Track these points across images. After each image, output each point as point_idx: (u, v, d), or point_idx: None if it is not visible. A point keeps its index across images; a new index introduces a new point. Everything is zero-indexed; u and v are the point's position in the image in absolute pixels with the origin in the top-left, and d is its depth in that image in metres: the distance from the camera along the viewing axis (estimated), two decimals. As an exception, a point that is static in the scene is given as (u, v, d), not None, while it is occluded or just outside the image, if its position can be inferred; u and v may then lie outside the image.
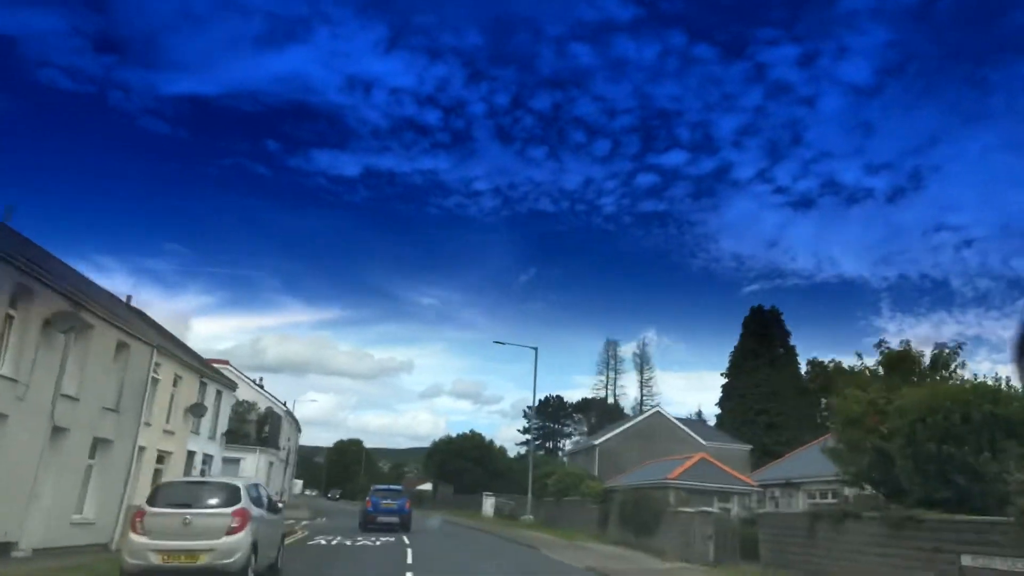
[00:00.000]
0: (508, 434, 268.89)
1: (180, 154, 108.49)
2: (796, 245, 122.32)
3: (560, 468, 41.59)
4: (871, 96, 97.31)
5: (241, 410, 37.52)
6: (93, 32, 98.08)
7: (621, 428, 43.38)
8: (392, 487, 33.16)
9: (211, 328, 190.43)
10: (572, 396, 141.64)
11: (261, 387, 43.60)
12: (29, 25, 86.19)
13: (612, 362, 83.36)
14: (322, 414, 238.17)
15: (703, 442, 42.26)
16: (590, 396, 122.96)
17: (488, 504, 52.12)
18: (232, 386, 31.80)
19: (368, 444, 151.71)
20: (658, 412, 43.93)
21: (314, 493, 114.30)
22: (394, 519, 27.59)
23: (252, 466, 35.51)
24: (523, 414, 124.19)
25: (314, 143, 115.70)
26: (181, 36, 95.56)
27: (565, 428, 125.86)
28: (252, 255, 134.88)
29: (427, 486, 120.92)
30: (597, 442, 42.98)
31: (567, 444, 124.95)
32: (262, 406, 37.86)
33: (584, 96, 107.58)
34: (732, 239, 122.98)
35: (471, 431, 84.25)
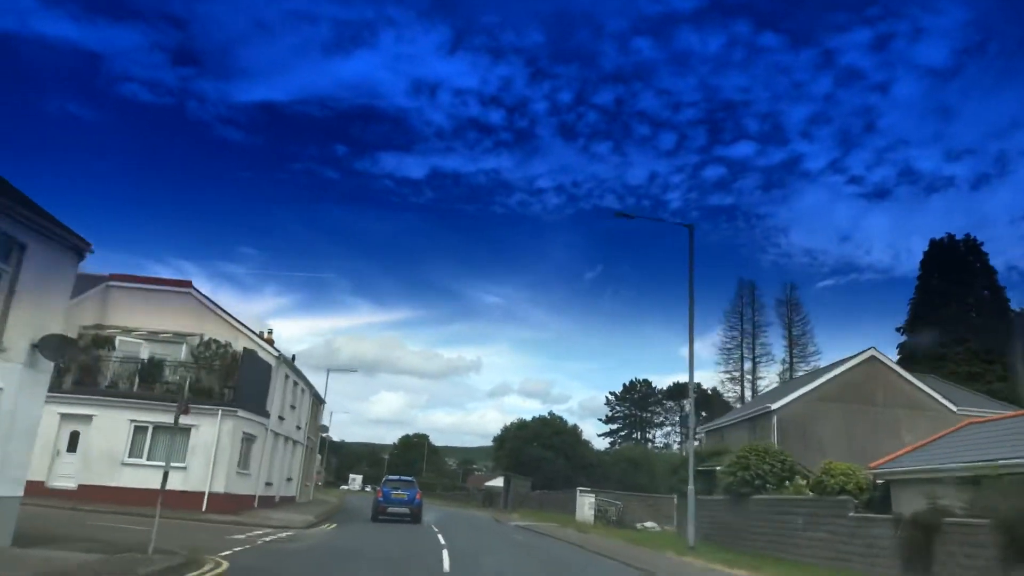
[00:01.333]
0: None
1: (253, 160, 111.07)
2: (871, 237, 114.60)
3: (730, 449, 25.75)
4: (949, 79, 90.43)
5: (207, 353, 23.34)
6: (172, 46, 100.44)
7: (814, 385, 27.11)
8: (404, 478, 31.55)
9: (286, 330, 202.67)
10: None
11: (262, 336, 29.14)
12: (114, 42, 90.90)
13: (751, 311, 63.75)
14: (392, 413, 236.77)
15: (952, 407, 25.70)
16: (681, 381, 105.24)
17: (586, 505, 36.74)
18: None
19: (437, 442, 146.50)
20: (873, 357, 27.30)
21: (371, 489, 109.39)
22: (404, 510, 26.82)
23: (211, 437, 21.18)
24: (606, 401, 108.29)
25: (381, 146, 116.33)
26: (253, 46, 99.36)
27: (655, 417, 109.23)
28: (323, 258, 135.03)
29: (497, 482, 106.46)
30: (775, 406, 26.84)
31: (656, 435, 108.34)
32: (240, 347, 23.62)
33: (648, 90, 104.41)
34: (803, 232, 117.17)
35: (550, 413, 69.09)
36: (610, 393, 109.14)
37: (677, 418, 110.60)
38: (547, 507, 45.85)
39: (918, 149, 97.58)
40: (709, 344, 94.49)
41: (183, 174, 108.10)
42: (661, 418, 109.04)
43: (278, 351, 26.74)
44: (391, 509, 26.76)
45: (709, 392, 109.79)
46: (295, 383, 31.17)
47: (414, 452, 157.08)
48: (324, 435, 57.16)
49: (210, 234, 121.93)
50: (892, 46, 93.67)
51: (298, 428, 33.25)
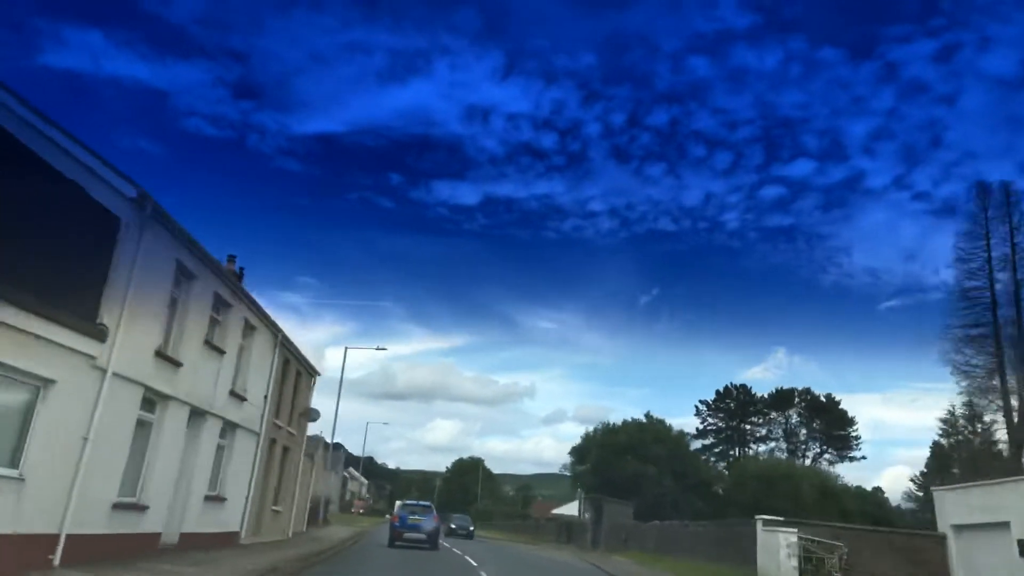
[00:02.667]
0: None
1: (311, 191, 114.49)
2: (939, 256, 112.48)
3: None
4: (1019, 88, 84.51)
5: None
6: (233, 81, 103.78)
7: None
8: (421, 503, 29.95)
9: (342, 358, 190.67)
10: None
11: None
12: (179, 79, 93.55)
13: (1007, 212, 37.50)
14: (446, 440, 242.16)
15: None
16: (785, 387, 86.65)
17: (781, 547, 19.63)
18: None
19: (492, 470, 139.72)
20: None
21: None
22: (421, 536, 25.78)
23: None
24: (696, 411, 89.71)
25: (435, 174, 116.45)
26: (310, 78, 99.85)
27: (757, 430, 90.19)
28: (379, 285, 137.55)
29: (569, 509, 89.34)
30: None
31: (759, 450, 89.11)
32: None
33: (703, 109, 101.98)
34: (866, 252, 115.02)
35: (647, 415, 51.82)
36: (700, 402, 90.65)
37: (781, 431, 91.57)
38: (673, 547, 28.70)
39: (988, 162, 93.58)
40: (773, 367, 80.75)
41: (244, 206, 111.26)
42: (764, 430, 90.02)
43: (140, 191, 10.96)
44: (407, 535, 25.93)
45: (823, 399, 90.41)
46: (221, 299, 15.35)
47: (468, 477, 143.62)
48: (316, 433, 41.64)
49: (271, 265, 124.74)
50: (958, 57, 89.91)
51: (239, 399, 17.40)
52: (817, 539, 20.32)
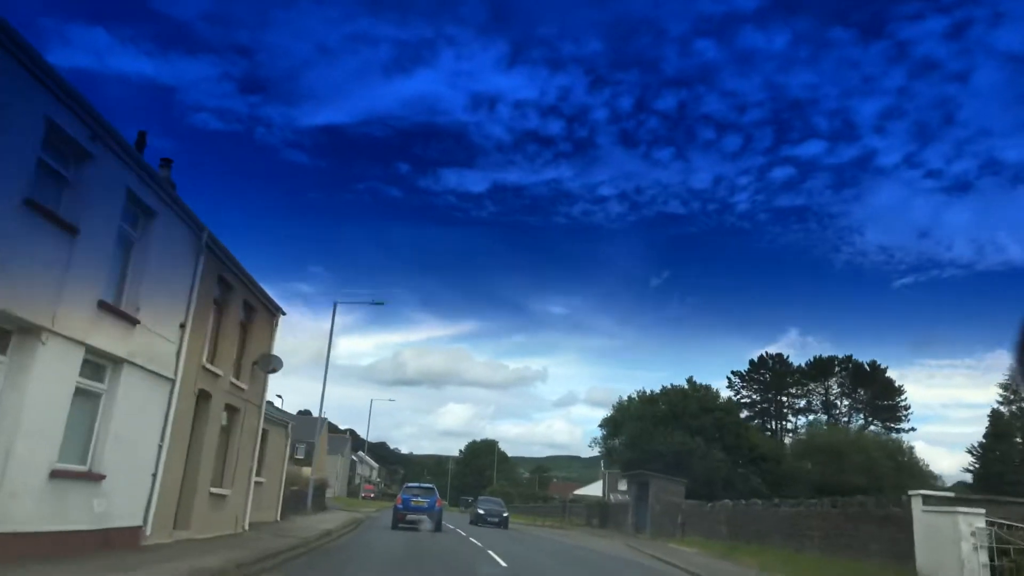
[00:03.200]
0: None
1: (320, 182, 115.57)
2: (953, 232, 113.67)
3: None
4: None
5: None
6: (239, 75, 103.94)
7: None
8: (423, 485, 31.14)
9: (354, 346, 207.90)
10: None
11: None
12: (186, 74, 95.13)
13: None
14: (459, 424, 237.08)
15: None
16: (825, 355, 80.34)
17: (964, 540, 12.97)
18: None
19: (507, 453, 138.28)
20: None
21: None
22: (423, 517, 26.38)
23: None
24: (728, 382, 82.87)
25: (443, 162, 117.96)
26: (316, 70, 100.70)
27: (796, 401, 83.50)
28: (389, 274, 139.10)
29: (591, 489, 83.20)
30: None
31: (798, 421, 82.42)
32: None
33: (711, 92, 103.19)
34: (879, 230, 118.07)
35: (690, 381, 45.07)
36: (733, 373, 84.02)
37: (820, 402, 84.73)
38: (755, 534, 22.09)
39: (1002, 139, 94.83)
40: (785, 345, 79.87)
41: (254, 198, 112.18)
42: (802, 402, 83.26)
43: None
44: (410, 516, 26.31)
45: (867, 367, 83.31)
46: (63, 136, 8.79)
47: (483, 459, 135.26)
48: (275, 397, 35.25)
49: (281, 255, 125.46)
50: (969, 33, 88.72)
51: (124, 319, 10.91)
52: (1010, 523, 13.68)
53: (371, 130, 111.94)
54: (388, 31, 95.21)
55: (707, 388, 42.64)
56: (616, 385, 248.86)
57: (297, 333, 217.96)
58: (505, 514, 35.69)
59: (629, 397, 44.14)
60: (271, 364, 16.96)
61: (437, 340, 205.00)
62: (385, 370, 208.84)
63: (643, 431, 39.27)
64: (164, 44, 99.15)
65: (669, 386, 43.86)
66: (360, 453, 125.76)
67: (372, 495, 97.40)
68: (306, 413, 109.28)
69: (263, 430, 18.79)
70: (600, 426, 44.63)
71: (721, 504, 27.10)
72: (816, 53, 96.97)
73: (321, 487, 41.86)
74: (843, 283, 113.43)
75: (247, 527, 17.02)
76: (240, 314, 16.14)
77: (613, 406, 44.35)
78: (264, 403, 18.37)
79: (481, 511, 36.04)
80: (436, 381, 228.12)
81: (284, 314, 18.66)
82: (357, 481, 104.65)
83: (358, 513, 38.06)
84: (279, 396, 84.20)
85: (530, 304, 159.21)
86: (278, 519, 21.75)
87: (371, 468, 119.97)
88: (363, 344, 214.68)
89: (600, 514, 40.50)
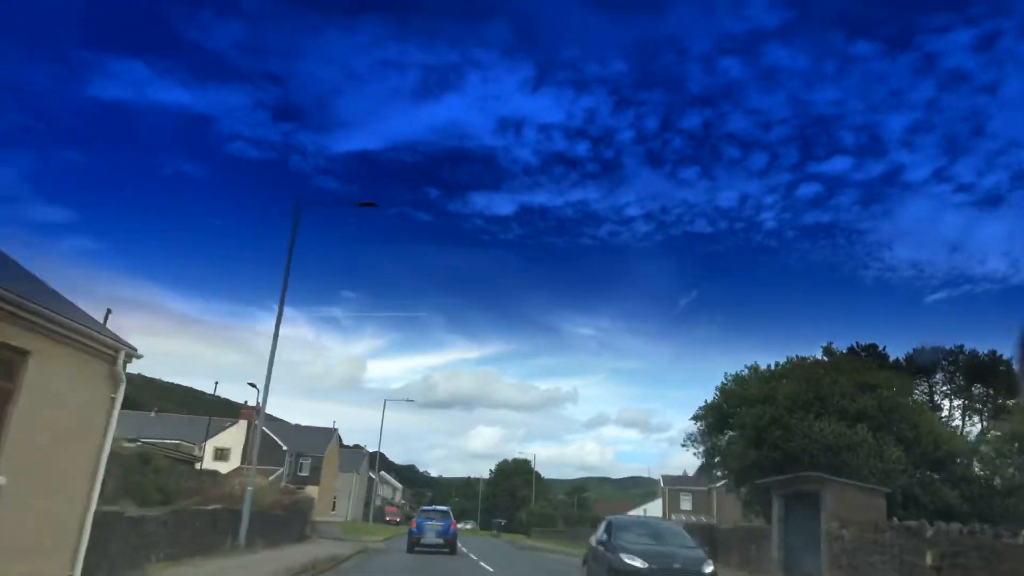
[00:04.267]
0: (682, 461, 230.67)
1: (351, 208, 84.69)
2: (985, 246, 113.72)
3: None
4: None
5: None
6: (272, 103, 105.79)
7: None
8: (439, 508, 31.54)
9: (384, 369, 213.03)
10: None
11: None
12: (221, 104, 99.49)
13: None
14: (488, 447, 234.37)
15: None
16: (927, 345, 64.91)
17: None
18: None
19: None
20: None
21: (468, 525, 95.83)
22: (439, 540, 27.02)
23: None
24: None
25: (471, 186, 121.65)
26: (346, 97, 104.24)
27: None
28: (417, 297, 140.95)
29: (652, 508, 70.31)
30: None
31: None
32: None
33: (736, 110, 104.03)
34: (909, 246, 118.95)
35: (826, 348, 31.67)
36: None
37: (924, 401, 70.07)
38: None
39: None
40: None
41: (287, 224, 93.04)
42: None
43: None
44: (424, 540, 26.76)
45: (984, 358, 68.31)
46: None
47: (514, 480, 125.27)
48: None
49: (312, 280, 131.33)
50: (999, 45, 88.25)
51: None
52: None
53: (401, 155, 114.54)
54: (416, 56, 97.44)
55: (871, 349, 29.35)
56: (647, 405, 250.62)
57: (328, 357, 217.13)
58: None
59: (735, 374, 30.95)
60: None
61: (466, 362, 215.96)
62: (415, 393, 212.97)
63: (775, 418, 26.19)
64: (200, 74, 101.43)
65: (795, 358, 30.74)
66: (382, 473, 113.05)
67: (399, 519, 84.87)
68: (348, 447, 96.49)
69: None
70: (696, 418, 31.43)
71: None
72: (841, 68, 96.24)
73: (303, 506, 29.30)
74: (874, 299, 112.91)
75: None
76: None
77: (716, 388, 30.97)
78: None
79: (627, 558, 13.51)
80: (466, 403, 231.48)
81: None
82: (378, 503, 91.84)
83: (350, 546, 25.37)
84: (253, 385, 71.02)
85: (558, 325, 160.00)
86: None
87: (394, 489, 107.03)
88: (393, 367, 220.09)
89: (708, 541, 27.06)
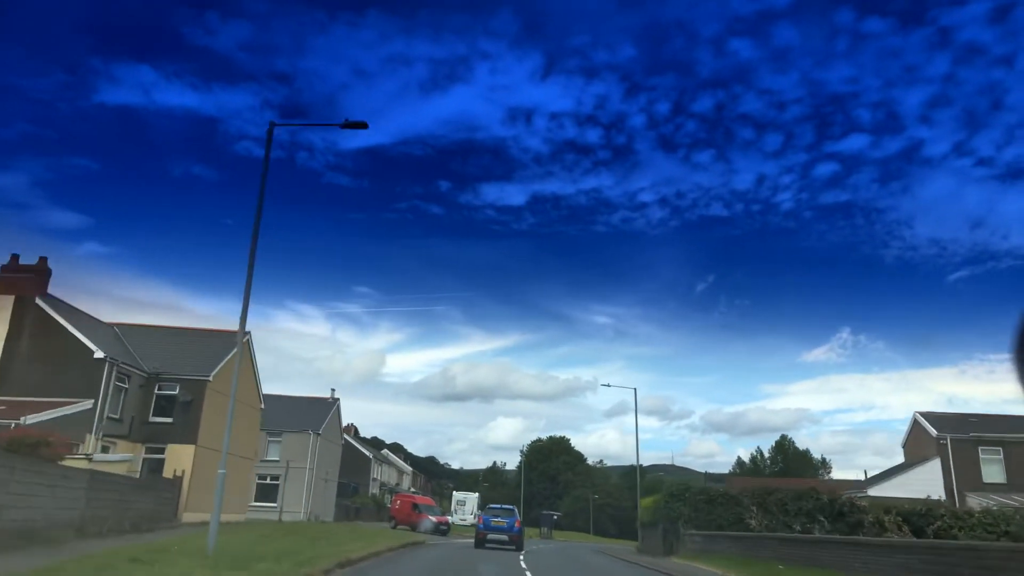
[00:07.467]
0: (704, 448, 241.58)
1: (362, 203, 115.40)
2: (1008, 221, 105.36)
3: None
4: None
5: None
6: (280, 102, 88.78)
7: None
8: (504, 506, 32.20)
9: (402, 363, 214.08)
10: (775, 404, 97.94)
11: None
12: (228, 104, 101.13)
13: None
14: (509, 438, 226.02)
15: None
16: None
17: None
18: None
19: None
20: None
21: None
22: (504, 537, 28.19)
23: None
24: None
25: (482, 177, 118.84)
26: (355, 93, 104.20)
27: None
28: (433, 291, 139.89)
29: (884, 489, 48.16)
30: None
31: None
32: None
33: (749, 92, 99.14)
34: (929, 223, 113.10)
35: None
36: None
37: None
38: None
39: None
40: (838, 348, 58.73)
41: (299, 222, 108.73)
42: None
43: None
44: (491, 536, 27.96)
45: None
46: None
47: (550, 463, 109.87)
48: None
49: (327, 277, 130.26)
50: (1014, 15, 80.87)
51: None
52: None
53: (411, 149, 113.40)
54: (423, 50, 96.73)
55: None
56: (667, 392, 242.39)
57: (347, 353, 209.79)
58: None
59: None
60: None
61: (483, 354, 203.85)
62: (434, 386, 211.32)
63: None
64: (206, 76, 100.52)
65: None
66: (385, 451, 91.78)
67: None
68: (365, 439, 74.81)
69: None
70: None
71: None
72: (854, 45, 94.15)
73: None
74: (894, 279, 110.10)
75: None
76: None
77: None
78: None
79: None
80: (485, 395, 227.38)
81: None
82: (377, 490, 70.54)
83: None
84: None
85: (574, 314, 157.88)
86: None
87: (400, 472, 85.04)
88: (411, 361, 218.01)
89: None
